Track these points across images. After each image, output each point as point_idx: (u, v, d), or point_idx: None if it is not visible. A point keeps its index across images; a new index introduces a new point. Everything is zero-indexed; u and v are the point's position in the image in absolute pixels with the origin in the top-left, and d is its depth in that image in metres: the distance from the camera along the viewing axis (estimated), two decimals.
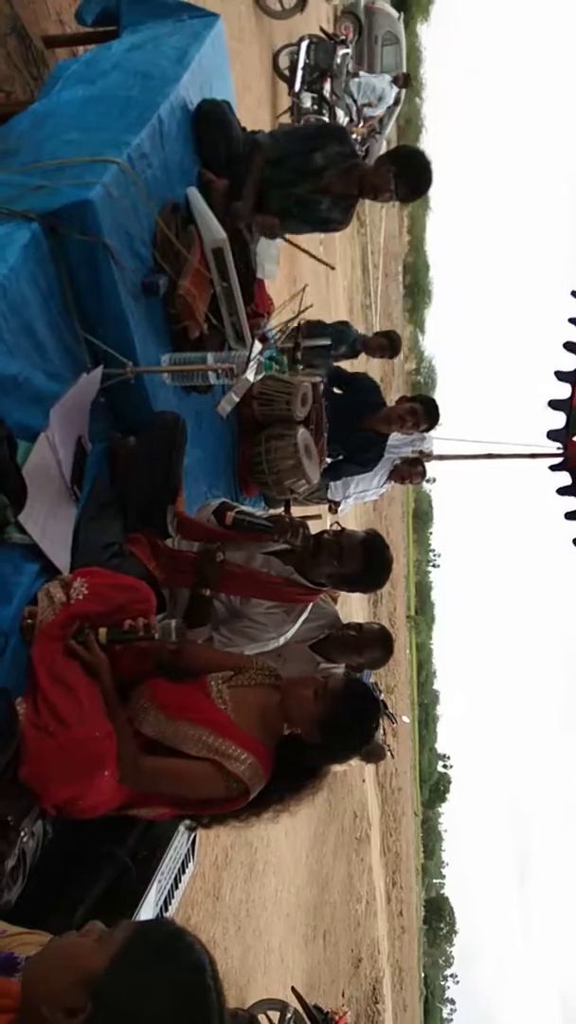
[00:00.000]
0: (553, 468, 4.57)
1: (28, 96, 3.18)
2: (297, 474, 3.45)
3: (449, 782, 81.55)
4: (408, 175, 3.21)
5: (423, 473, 5.57)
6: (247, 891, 6.81)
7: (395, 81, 11.87)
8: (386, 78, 11.61)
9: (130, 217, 2.31)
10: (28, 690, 1.90)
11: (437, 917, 69.53)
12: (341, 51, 9.04)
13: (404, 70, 13.91)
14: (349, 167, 3.22)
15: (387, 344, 5.37)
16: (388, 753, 12.40)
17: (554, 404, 4.60)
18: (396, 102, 12.51)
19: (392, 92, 11.65)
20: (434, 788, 74.47)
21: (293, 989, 7.04)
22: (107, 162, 2.23)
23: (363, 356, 5.67)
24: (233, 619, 2.73)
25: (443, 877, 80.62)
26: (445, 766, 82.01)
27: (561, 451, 4.78)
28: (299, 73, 8.48)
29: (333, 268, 3.94)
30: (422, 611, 68.58)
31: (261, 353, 2.41)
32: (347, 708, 2.08)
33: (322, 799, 12.37)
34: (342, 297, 16.95)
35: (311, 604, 2.76)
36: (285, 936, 8.43)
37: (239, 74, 6.10)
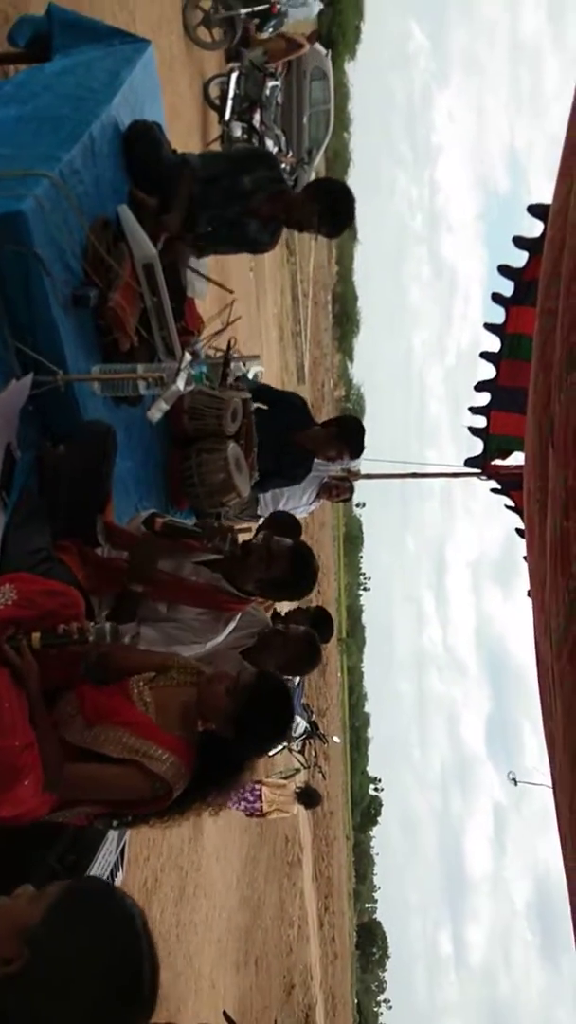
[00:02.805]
0: (494, 491, 4.85)
1: None
2: (228, 488, 3.51)
3: (380, 805, 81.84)
4: (330, 215, 3.34)
5: (351, 489, 5.75)
6: (177, 915, 6.73)
7: None
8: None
9: (61, 230, 2.36)
10: None
11: (369, 942, 69.38)
12: (270, 83, 9.29)
13: (332, 104, 14.33)
14: (277, 192, 3.34)
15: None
16: (322, 798, 12.64)
17: (473, 431, 4.85)
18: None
19: (317, 5, 12.00)
20: (365, 812, 74.64)
21: (224, 1013, 6.96)
22: (39, 176, 2.28)
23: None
24: (161, 620, 2.76)
25: (375, 901, 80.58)
26: (376, 789, 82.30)
27: (479, 473, 5.04)
28: (229, 103, 8.68)
29: (231, 292, 4.00)
30: (353, 634, 69.13)
31: (191, 364, 2.47)
32: (258, 702, 2.14)
33: (254, 822, 12.31)
34: (272, 323, 17.20)
35: (240, 613, 2.81)
36: (216, 961, 8.34)
37: (169, 101, 6.22)
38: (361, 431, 4.35)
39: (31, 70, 3.40)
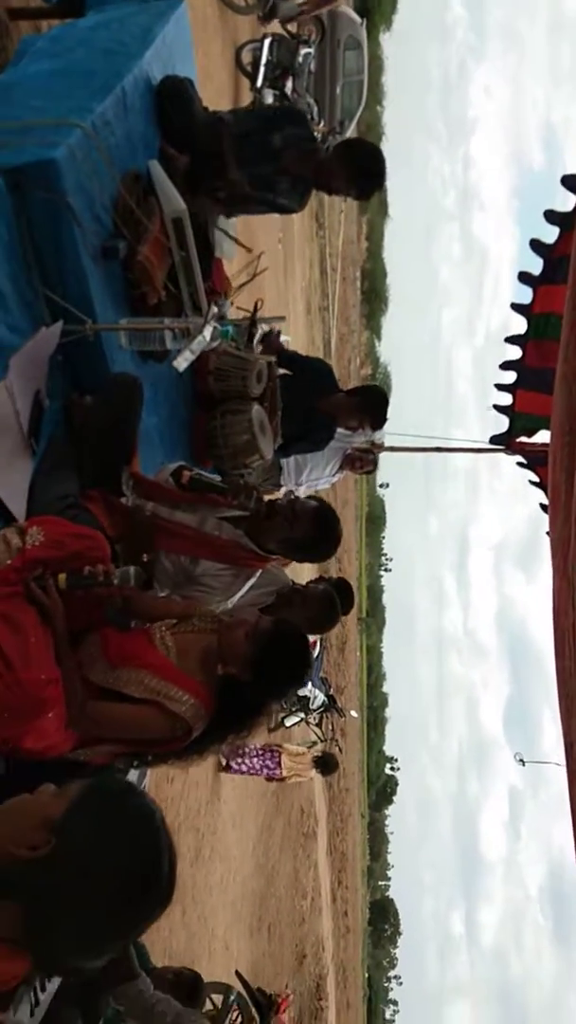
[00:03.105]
0: (519, 464, 4.83)
1: None
2: (251, 449, 3.53)
3: (396, 785, 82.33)
4: (360, 176, 3.32)
5: (375, 462, 5.75)
6: (193, 876, 6.85)
7: None
8: None
9: (92, 181, 2.38)
10: None
11: (382, 919, 70.11)
12: (303, 50, 9.20)
13: (366, 74, 14.15)
14: (307, 151, 3.32)
15: None
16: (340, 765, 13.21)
17: (498, 408, 4.82)
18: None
19: None
20: (381, 790, 75.16)
21: (237, 972, 7.10)
22: (72, 125, 2.30)
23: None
24: (186, 583, 2.80)
25: (388, 879, 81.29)
26: (392, 768, 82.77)
27: (504, 449, 5.03)
28: (261, 69, 8.60)
29: (250, 250, 3.98)
30: (373, 614, 69.26)
31: (217, 317, 2.49)
32: (276, 646, 2.20)
33: (270, 790, 12.45)
34: (299, 296, 17.11)
35: (260, 570, 2.85)
36: (230, 924, 8.49)
37: (201, 64, 6.18)
38: (384, 402, 4.32)
39: (65, 26, 3.40)
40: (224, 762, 8.15)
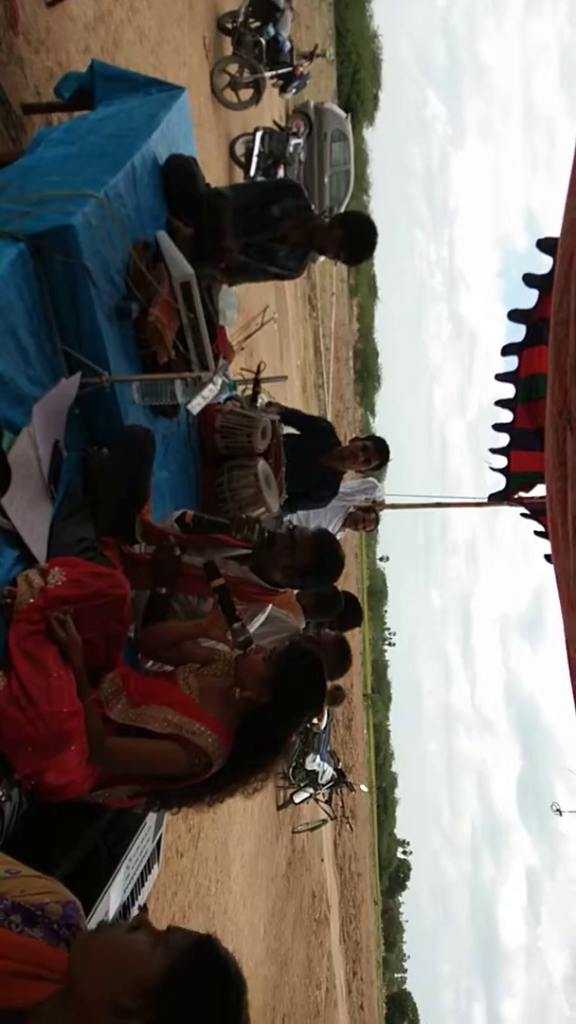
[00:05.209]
0: (523, 515, 4.91)
1: (7, 149, 3.47)
2: (257, 502, 3.62)
3: (409, 869, 79.37)
4: (352, 239, 3.54)
5: (376, 520, 5.85)
6: None
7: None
8: None
9: (106, 246, 2.54)
10: (6, 666, 2.00)
11: (400, 1014, 66.41)
12: (293, 141, 9.75)
13: (352, 164, 14.89)
14: (304, 219, 3.54)
15: None
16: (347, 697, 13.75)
17: (495, 470, 4.96)
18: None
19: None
20: (394, 876, 72.43)
21: None
22: (87, 196, 2.47)
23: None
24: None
25: (404, 971, 77.48)
26: (405, 852, 79.95)
27: (505, 502, 5.12)
28: (254, 159, 9.11)
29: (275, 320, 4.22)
30: (378, 690, 68.18)
31: (224, 371, 2.61)
32: (292, 666, 2.26)
33: (280, 874, 12.07)
34: (295, 374, 17.54)
35: (269, 607, 2.91)
36: None
37: (198, 157, 6.57)
38: (387, 445, 4.48)
39: (77, 118, 3.66)
40: None
